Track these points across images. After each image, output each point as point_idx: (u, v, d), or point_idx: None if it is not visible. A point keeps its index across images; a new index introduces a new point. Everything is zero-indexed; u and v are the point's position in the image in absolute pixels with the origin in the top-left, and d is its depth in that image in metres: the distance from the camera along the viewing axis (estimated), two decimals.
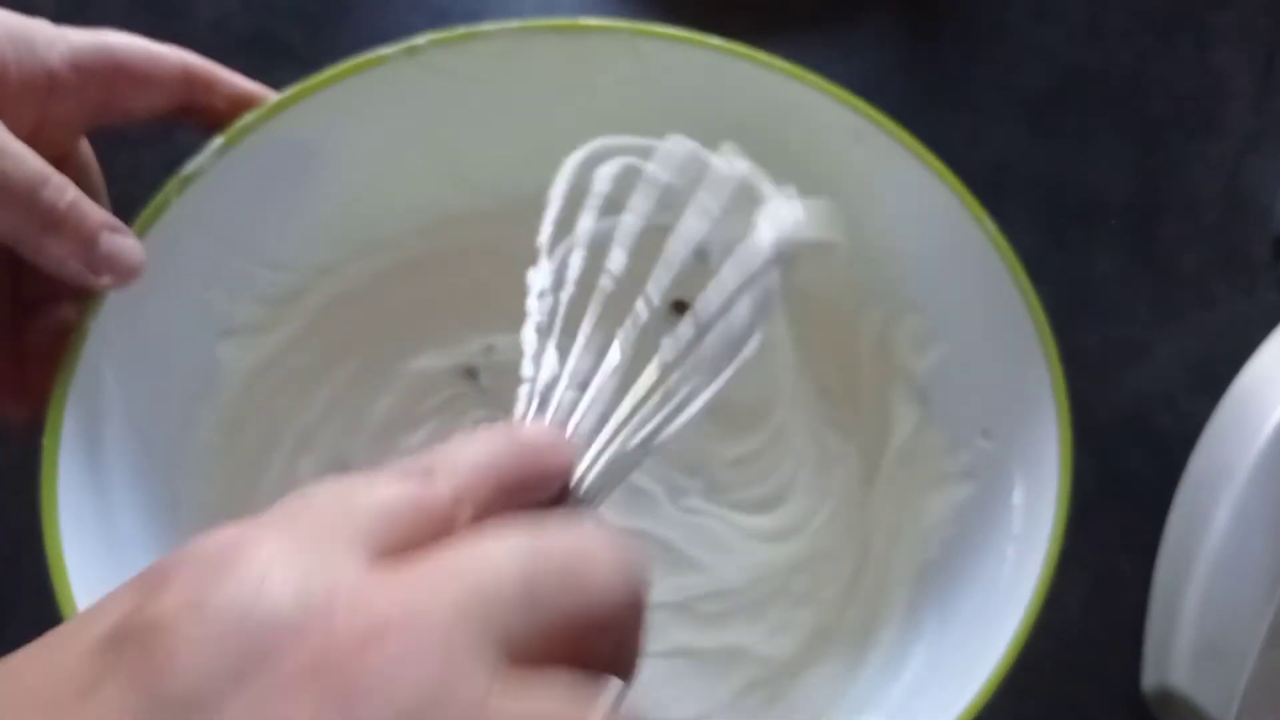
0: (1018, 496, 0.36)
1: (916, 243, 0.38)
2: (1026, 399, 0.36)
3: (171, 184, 0.33)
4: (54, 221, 0.29)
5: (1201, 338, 0.49)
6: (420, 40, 0.35)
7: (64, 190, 0.29)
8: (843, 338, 0.41)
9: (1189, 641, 0.42)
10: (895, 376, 0.40)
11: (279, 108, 0.34)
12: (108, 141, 0.33)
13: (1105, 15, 0.53)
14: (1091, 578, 0.45)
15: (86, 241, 0.29)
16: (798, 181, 0.39)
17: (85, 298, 0.32)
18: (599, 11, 0.51)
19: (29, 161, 0.28)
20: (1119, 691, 0.44)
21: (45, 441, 0.30)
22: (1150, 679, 0.43)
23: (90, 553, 0.31)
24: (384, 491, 0.20)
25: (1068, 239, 0.50)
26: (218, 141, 0.34)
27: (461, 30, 0.36)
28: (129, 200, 0.33)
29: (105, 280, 0.30)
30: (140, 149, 0.39)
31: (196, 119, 0.34)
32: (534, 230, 0.41)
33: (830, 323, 0.41)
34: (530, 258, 0.37)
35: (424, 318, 0.41)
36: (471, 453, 0.22)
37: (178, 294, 0.35)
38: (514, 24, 0.36)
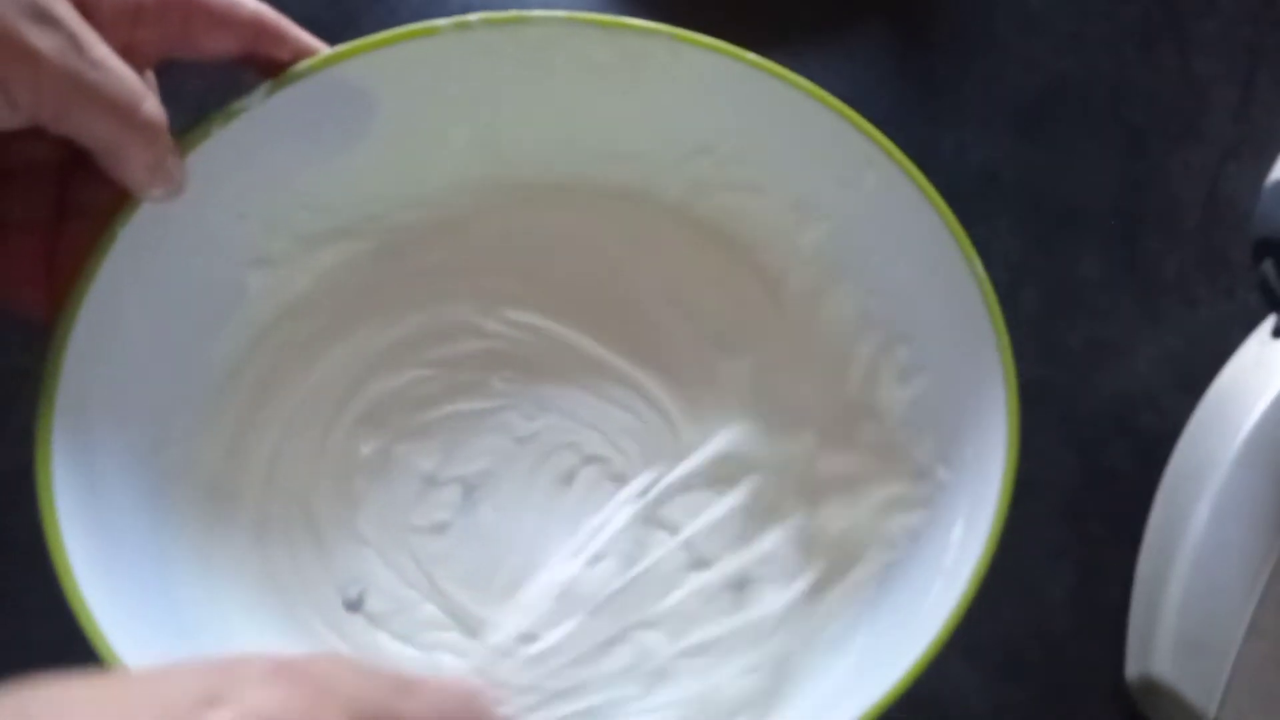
0: (957, 531, 0.36)
1: (912, 273, 0.38)
2: (983, 435, 0.36)
3: (216, 116, 0.34)
4: (148, 137, 0.30)
5: (1183, 339, 0.49)
6: (472, 18, 0.36)
7: (158, 106, 0.31)
8: (836, 364, 0.41)
9: (1171, 632, 0.42)
10: (878, 403, 0.40)
11: (331, 60, 0.35)
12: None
13: (1089, 26, 0.54)
14: (1077, 570, 0.46)
15: (159, 155, 0.31)
16: (807, 199, 0.40)
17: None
18: (612, 12, 0.52)
19: (131, 79, 0.30)
20: (1103, 681, 0.45)
21: (52, 344, 0.31)
22: (1134, 669, 0.44)
23: (78, 503, 0.31)
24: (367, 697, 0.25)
25: (1053, 243, 0.50)
26: (266, 83, 0.34)
27: (512, 13, 0.36)
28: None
29: (157, 192, 0.32)
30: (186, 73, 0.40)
31: (260, 68, 0.35)
32: (566, 212, 0.41)
33: (827, 347, 0.41)
34: (559, 240, 0.39)
35: (455, 278, 0.41)
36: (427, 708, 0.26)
37: (211, 216, 0.35)
38: (561, 14, 0.37)
